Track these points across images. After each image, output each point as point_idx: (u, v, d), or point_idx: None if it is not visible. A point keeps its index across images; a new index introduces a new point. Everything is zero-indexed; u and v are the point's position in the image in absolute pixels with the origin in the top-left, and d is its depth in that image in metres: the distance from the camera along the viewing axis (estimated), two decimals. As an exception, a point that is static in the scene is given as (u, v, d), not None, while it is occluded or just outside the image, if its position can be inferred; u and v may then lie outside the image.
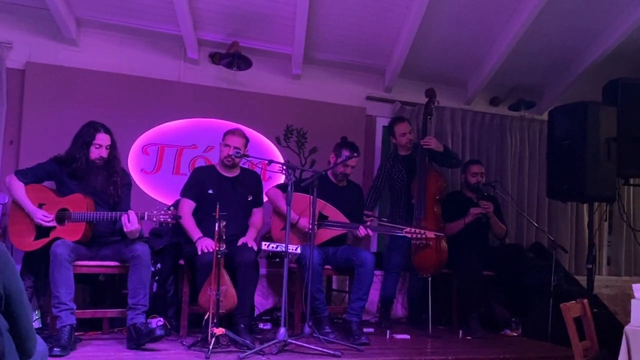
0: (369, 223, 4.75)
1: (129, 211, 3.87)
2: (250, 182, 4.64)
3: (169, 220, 3.88)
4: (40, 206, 3.97)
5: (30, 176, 4.03)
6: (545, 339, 4.85)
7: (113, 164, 4.14)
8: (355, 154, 4.71)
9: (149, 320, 4.11)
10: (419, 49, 5.63)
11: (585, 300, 3.24)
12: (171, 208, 4.01)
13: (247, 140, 4.54)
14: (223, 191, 4.44)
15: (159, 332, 3.67)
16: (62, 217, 3.94)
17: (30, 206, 3.94)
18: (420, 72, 6.10)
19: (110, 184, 4.09)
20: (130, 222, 3.84)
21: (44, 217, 3.91)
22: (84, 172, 4.01)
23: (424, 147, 5.16)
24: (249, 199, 4.57)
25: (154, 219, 3.87)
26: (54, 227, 3.92)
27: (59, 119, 4.93)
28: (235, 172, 4.58)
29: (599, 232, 6.58)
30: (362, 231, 4.54)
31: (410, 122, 5.67)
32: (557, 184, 5.26)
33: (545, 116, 5.98)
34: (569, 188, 5.12)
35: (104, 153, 4.06)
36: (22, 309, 1.88)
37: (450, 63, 6.03)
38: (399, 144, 5.36)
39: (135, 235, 3.95)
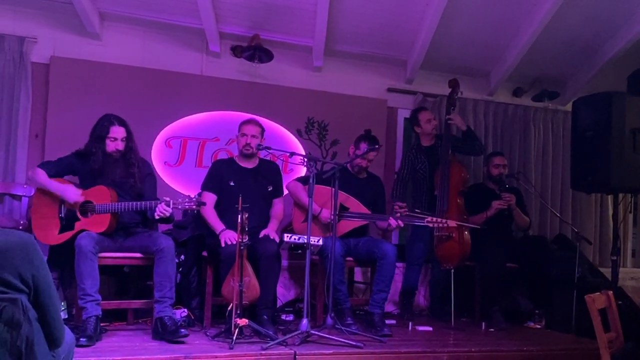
0: (398, 215, 4.72)
1: (167, 199, 3.87)
2: (270, 172, 4.66)
3: (194, 207, 3.88)
4: (62, 199, 4.02)
5: (52, 169, 4.07)
6: (569, 331, 4.81)
7: (129, 156, 4.15)
8: (377, 146, 4.69)
9: (173, 310, 4.15)
10: (440, 40, 5.60)
11: (610, 292, 3.21)
12: (196, 195, 4.01)
13: (262, 129, 4.58)
14: (243, 183, 4.46)
15: (183, 332, 3.66)
16: (85, 209, 3.98)
17: (58, 186, 3.98)
18: (442, 63, 6.06)
19: (129, 176, 4.12)
20: (169, 208, 3.86)
21: (76, 193, 3.94)
22: (102, 166, 4.05)
23: (449, 123, 5.18)
24: (269, 189, 4.59)
25: (179, 207, 3.87)
26: (78, 219, 3.97)
27: (83, 113, 4.96)
28: (254, 163, 4.60)
29: (623, 224, 6.51)
30: (392, 222, 4.53)
31: (432, 112, 5.67)
32: (581, 175, 5.21)
33: (569, 107, 5.92)
34: (594, 179, 5.07)
35: (120, 145, 4.08)
36: (50, 299, 1.92)
37: (472, 54, 5.99)
38: (424, 132, 5.35)
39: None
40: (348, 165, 4.80)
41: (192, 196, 3.95)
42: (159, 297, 3.86)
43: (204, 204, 4.05)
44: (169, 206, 3.85)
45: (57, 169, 4.10)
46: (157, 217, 3.91)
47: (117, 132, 4.06)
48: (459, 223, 4.65)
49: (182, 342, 3.63)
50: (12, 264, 1.78)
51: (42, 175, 4.02)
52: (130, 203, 3.93)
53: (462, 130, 5.35)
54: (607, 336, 2.97)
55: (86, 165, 4.09)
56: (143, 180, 4.20)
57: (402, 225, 4.61)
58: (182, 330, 3.68)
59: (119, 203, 3.93)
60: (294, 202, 4.71)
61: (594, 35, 5.73)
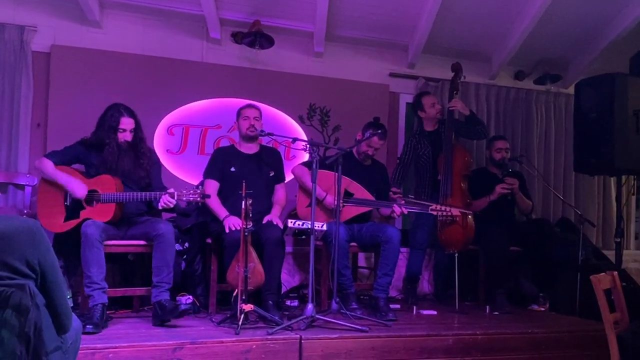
0: (403, 202, 4.74)
1: (172, 191, 3.90)
2: (271, 158, 4.66)
3: (198, 199, 3.90)
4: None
5: (58, 157, 4.06)
6: (573, 314, 4.83)
7: (139, 146, 4.17)
8: (379, 131, 4.68)
9: (178, 298, 4.17)
10: (442, 23, 5.58)
11: (615, 273, 3.21)
12: (200, 187, 4.02)
13: (260, 112, 4.62)
14: (245, 169, 4.47)
15: (183, 306, 3.69)
16: (91, 198, 3.98)
17: (66, 178, 3.97)
18: (444, 47, 6.03)
19: (138, 166, 4.13)
20: (173, 199, 3.89)
21: (81, 188, 3.94)
22: (115, 158, 4.05)
23: (451, 109, 5.16)
24: (271, 174, 4.59)
25: (184, 198, 3.89)
26: (84, 207, 3.97)
27: (84, 101, 4.98)
28: (255, 149, 4.61)
29: (626, 206, 6.50)
30: (397, 209, 4.53)
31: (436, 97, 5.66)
32: (584, 157, 5.21)
33: (571, 89, 5.90)
34: (597, 161, 5.07)
35: (129, 137, 4.09)
36: (57, 285, 1.93)
37: (474, 37, 5.96)
38: (428, 116, 5.32)
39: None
40: (354, 151, 4.80)
41: (197, 188, 3.95)
42: (157, 282, 3.87)
43: (208, 196, 4.06)
44: (173, 198, 3.87)
45: (64, 158, 4.09)
46: (160, 208, 3.93)
47: (127, 123, 4.07)
48: (462, 210, 4.65)
49: (184, 313, 3.69)
50: (19, 249, 1.79)
51: (49, 166, 4.01)
52: (135, 193, 3.95)
53: (465, 115, 5.33)
54: (612, 316, 2.97)
55: (93, 154, 4.09)
56: (151, 167, 4.21)
57: (406, 212, 4.61)
58: (182, 305, 3.68)
59: (124, 193, 3.95)
60: (299, 186, 4.71)
61: (596, 17, 5.69)
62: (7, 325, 1.69)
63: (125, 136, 4.08)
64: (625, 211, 6.42)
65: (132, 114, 4.11)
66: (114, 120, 4.05)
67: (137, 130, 4.16)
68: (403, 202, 4.67)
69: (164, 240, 3.91)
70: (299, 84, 5.75)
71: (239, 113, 4.58)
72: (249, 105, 4.63)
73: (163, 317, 3.73)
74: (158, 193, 3.94)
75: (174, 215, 4.75)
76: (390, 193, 4.89)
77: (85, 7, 4.97)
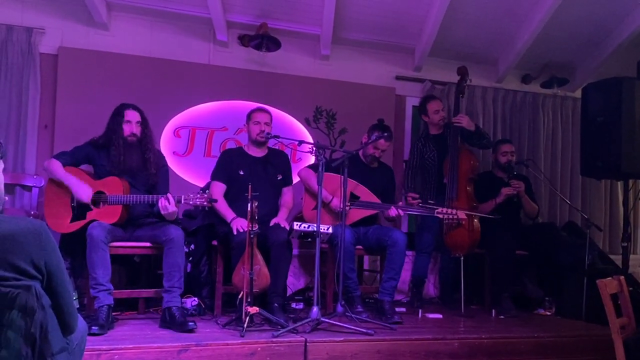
0: (416, 204, 4.79)
1: (168, 194, 3.91)
2: (279, 161, 4.67)
3: (205, 203, 3.89)
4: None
5: (68, 158, 4.08)
6: (579, 318, 4.81)
7: (146, 142, 4.18)
8: (385, 134, 4.67)
9: (183, 300, 4.16)
10: (449, 26, 5.57)
11: (622, 277, 3.19)
12: (207, 191, 4.02)
13: (271, 116, 4.61)
14: (253, 171, 4.47)
15: (191, 325, 3.64)
16: (98, 200, 3.99)
17: (72, 181, 3.98)
18: (451, 51, 6.03)
19: (145, 162, 4.14)
20: (170, 205, 3.89)
21: (87, 193, 3.95)
22: (121, 152, 4.06)
23: (455, 125, 5.12)
24: (279, 178, 4.59)
25: (190, 202, 3.89)
26: (90, 209, 3.98)
27: (91, 103, 5.00)
28: (263, 152, 4.61)
29: (633, 211, 6.47)
30: (392, 212, 4.52)
31: (442, 100, 5.64)
32: (591, 161, 5.19)
33: (578, 93, 5.88)
34: (604, 165, 5.05)
35: (135, 129, 4.11)
36: (63, 286, 1.92)
37: (481, 41, 5.95)
38: (432, 122, 5.31)
39: (173, 217, 4.01)
40: (360, 154, 4.80)
41: (204, 192, 3.95)
42: (168, 287, 3.87)
43: (216, 200, 4.06)
44: (170, 203, 3.87)
45: (72, 159, 4.11)
46: (162, 213, 3.94)
47: (132, 115, 4.11)
48: (468, 213, 4.64)
49: (191, 331, 3.62)
50: (25, 250, 1.78)
51: (57, 167, 4.02)
52: (141, 196, 3.95)
53: (471, 131, 5.26)
54: (619, 321, 2.95)
55: (102, 155, 4.11)
56: (158, 169, 4.21)
57: (402, 214, 4.59)
58: (190, 323, 3.65)
59: (131, 195, 3.96)
60: (305, 189, 4.71)
61: (603, 20, 5.67)
62: (13, 326, 1.69)
63: (132, 128, 4.09)
64: (632, 215, 6.39)
65: (137, 109, 4.16)
66: (119, 115, 4.09)
67: (145, 126, 4.18)
68: (402, 203, 4.68)
69: (175, 245, 3.91)
70: (305, 86, 5.76)
71: (249, 116, 4.57)
72: (260, 109, 4.62)
73: (170, 327, 3.72)
74: (162, 196, 3.94)
75: (181, 216, 4.76)
76: (409, 198, 4.92)
77: (93, 10, 5.00)
